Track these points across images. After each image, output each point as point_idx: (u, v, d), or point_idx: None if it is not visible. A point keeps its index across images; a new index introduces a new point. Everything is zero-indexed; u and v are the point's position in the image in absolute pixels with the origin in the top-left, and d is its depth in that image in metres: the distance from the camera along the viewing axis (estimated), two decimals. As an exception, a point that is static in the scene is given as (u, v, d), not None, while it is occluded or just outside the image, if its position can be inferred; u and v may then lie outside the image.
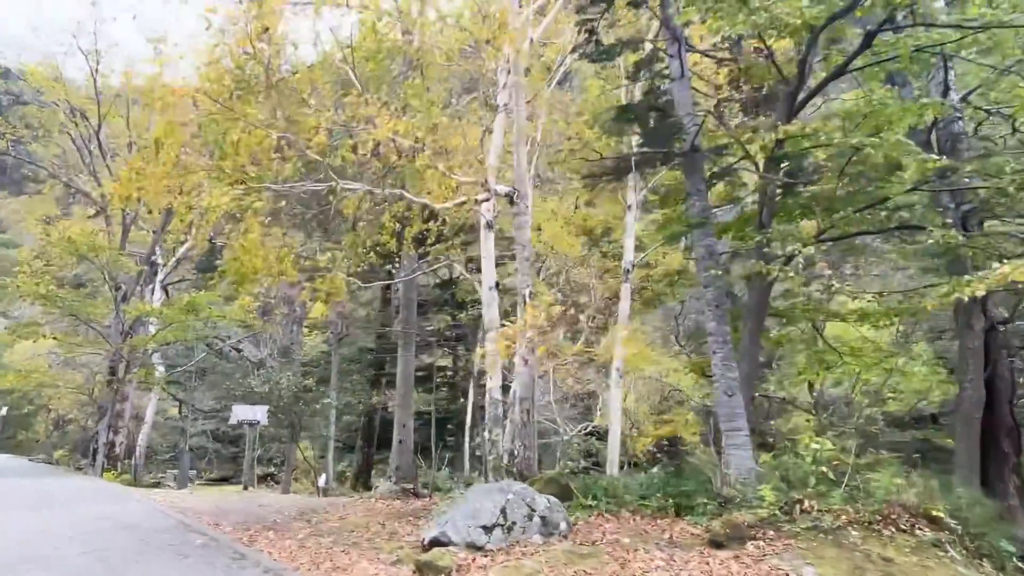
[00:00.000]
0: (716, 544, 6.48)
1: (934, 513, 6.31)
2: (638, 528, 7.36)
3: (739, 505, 7.36)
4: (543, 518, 6.83)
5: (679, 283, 11.80)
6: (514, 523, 6.67)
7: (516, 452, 10.44)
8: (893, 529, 6.27)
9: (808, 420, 21.30)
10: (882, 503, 6.40)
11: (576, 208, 22.17)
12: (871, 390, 21.50)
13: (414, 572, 6.04)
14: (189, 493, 15.09)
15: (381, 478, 28.88)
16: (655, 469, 12.11)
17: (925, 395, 19.58)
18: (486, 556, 6.18)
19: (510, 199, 10.23)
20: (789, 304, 10.16)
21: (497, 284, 11.95)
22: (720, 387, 8.42)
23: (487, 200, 9.94)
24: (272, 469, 34.72)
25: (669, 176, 16.02)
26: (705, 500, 7.76)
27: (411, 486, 11.70)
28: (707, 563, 6.04)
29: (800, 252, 7.94)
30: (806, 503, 6.72)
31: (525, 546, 6.46)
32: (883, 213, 8.52)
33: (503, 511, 6.70)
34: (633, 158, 9.20)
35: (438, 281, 28.45)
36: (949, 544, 6.07)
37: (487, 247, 11.96)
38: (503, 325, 10.33)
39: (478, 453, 26.83)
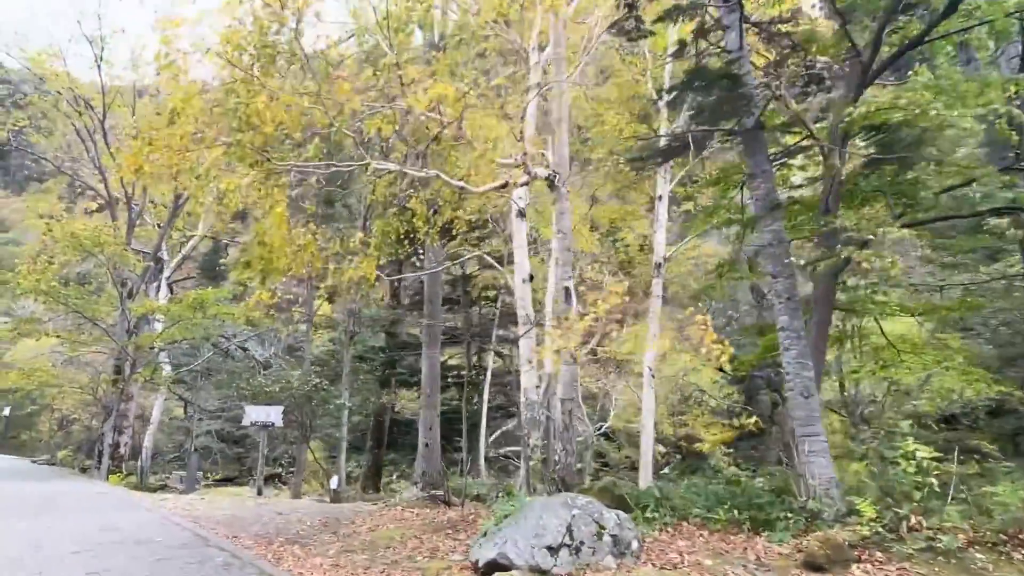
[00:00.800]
0: (813, 567, 5.62)
1: (1069, 532, 5.46)
2: (713, 546, 6.50)
3: (827, 521, 6.50)
4: (614, 536, 5.97)
5: (727, 275, 10.91)
6: (582, 543, 5.81)
7: (558, 458, 9.58)
8: (1023, 552, 5.42)
9: (842, 420, 20.47)
10: (1011, 521, 5.53)
11: (594, 201, 21.35)
12: (900, 389, 20.68)
13: (474, 601, 5.19)
14: (199, 498, 14.24)
15: (396, 481, 28.11)
16: (696, 478, 11.25)
17: (959, 393, 18.75)
18: (557, 583, 5.33)
19: (550, 183, 9.37)
20: (852, 297, 9.30)
21: (531, 277, 11.09)
22: (795, 387, 7.56)
23: (527, 184, 9.08)
24: (279, 469, 33.91)
25: (697, 166, 15.19)
26: (785, 515, 6.91)
27: (440, 493, 10.84)
28: (812, 591, 5.19)
29: (885, 233, 7.07)
30: (913, 519, 5.86)
31: (597, 570, 5.61)
32: (969, 196, 7.67)
33: (569, 529, 5.85)
34: (691, 135, 8.33)
35: (449, 278, 27.64)
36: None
37: (519, 237, 11.11)
38: (546, 324, 9.46)
39: (491, 455, 26.00)
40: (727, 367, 6.89)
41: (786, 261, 8.00)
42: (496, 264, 11.50)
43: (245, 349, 32.03)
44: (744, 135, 8.34)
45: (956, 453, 6.34)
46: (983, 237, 9.18)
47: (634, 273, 22.97)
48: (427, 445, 11.65)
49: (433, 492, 10.98)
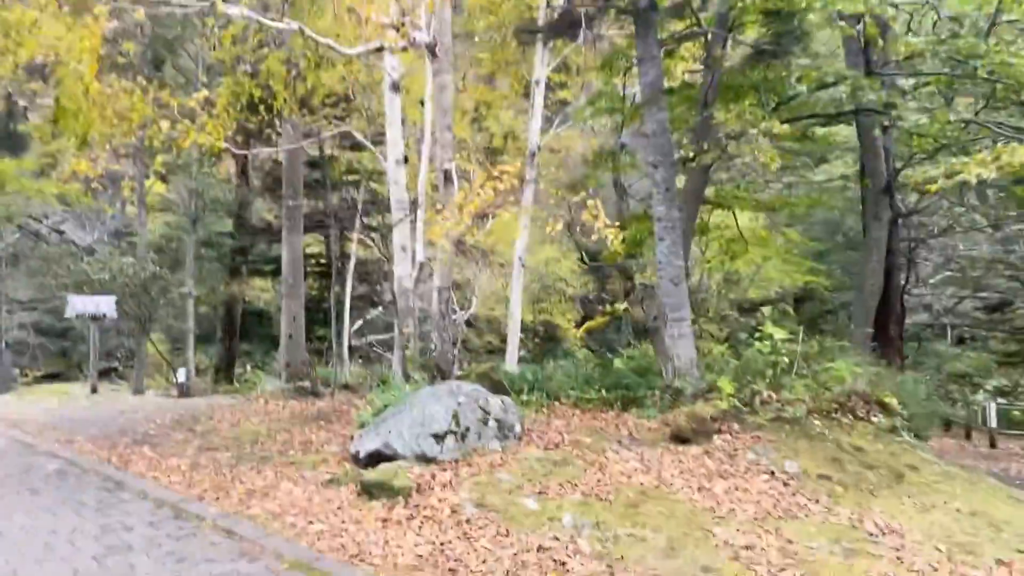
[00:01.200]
0: (680, 439, 6.05)
1: (886, 400, 6.31)
2: (588, 425, 6.78)
3: (689, 398, 7.00)
4: (498, 421, 5.96)
5: (604, 166, 10.88)
6: (468, 429, 5.74)
7: (435, 346, 9.40)
8: (851, 417, 6.20)
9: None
10: (847, 392, 6.27)
11: (463, 85, 20.20)
12: (731, 279, 22.92)
13: (359, 495, 4.96)
14: (18, 399, 12.51)
15: (250, 372, 26.84)
16: (572, 358, 11.73)
17: (779, 283, 21.17)
18: (444, 470, 5.23)
19: (431, 51, 8.46)
20: (718, 192, 9.72)
21: (406, 158, 10.31)
22: (665, 275, 7.82)
23: (405, 49, 8.12)
24: (115, 364, 31.02)
25: (577, 51, 14.71)
26: (651, 393, 7.35)
27: (307, 384, 10.35)
28: (680, 460, 5.58)
29: (759, 129, 7.26)
30: (765, 394, 6.46)
31: (483, 454, 5.59)
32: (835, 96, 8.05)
33: (455, 416, 5.73)
34: (584, 10, 7.78)
35: (307, 159, 25.45)
36: (903, 430, 6.10)
37: (393, 113, 10.14)
38: (420, 210, 8.90)
39: (353, 344, 25.49)
40: (620, 248, 6.90)
41: (668, 151, 8.01)
42: (367, 143, 10.49)
43: (61, 232, 27.86)
44: (637, 15, 7.95)
45: (800, 334, 6.99)
46: (826, 138, 9.87)
47: (500, 163, 22.60)
48: (291, 336, 10.94)
49: (299, 384, 10.45)
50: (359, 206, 23.31)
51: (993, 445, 14.36)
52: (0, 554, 4.08)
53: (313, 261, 25.91)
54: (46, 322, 33.91)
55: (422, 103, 12.78)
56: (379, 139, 14.14)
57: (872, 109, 7.78)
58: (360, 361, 23.86)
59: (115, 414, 9.88)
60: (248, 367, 27.76)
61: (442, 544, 3.99)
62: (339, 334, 23.85)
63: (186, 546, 4.17)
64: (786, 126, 7.48)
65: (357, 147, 23.55)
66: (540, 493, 4.66)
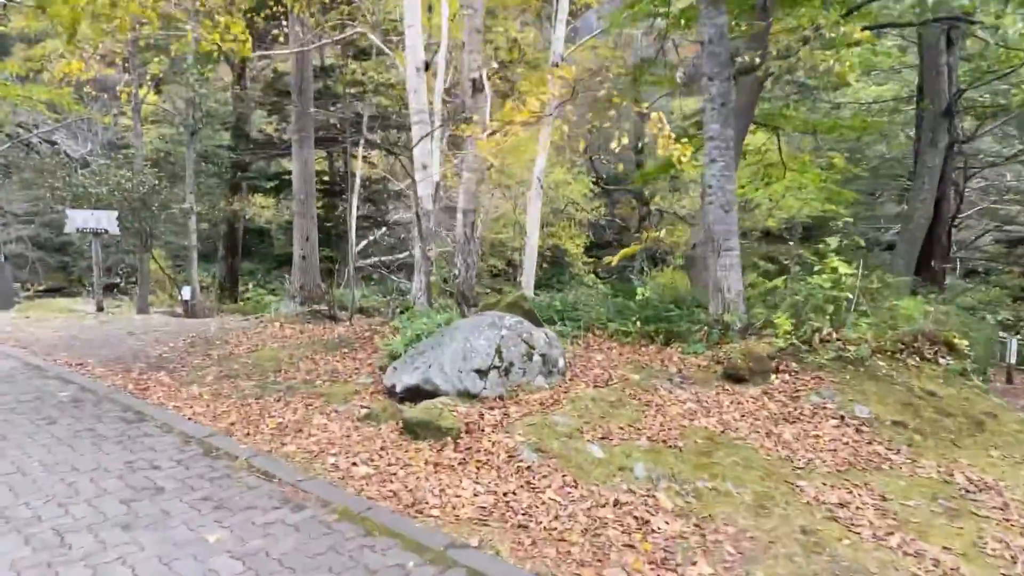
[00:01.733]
0: (735, 378, 5.67)
1: (954, 341, 5.88)
2: (631, 360, 6.39)
3: (739, 333, 6.58)
4: (543, 356, 5.54)
5: (641, 79, 9.98)
6: (512, 364, 5.32)
7: (459, 272, 8.90)
8: (918, 359, 5.79)
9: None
10: (913, 332, 5.83)
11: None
12: (743, 206, 22.17)
13: (401, 433, 4.58)
14: (23, 316, 12.10)
15: (252, 289, 26.50)
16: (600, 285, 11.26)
17: (797, 211, 20.49)
18: (491, 408, 4.84)
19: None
20: (765, 111, 8.91)
21: (427, 65, 9.42)
22: (716, 200, 7.22)
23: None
24: (117, 279, 30.64)
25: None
26: (697, 326, 6.91)
27: (324, 308, 9.90)
28: (739, 402, 5.21)
29: (837, 34, 6.41)
30: (824, 331, 6.03)
31: (529, 391, 5.20)
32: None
33: (498, 350, 5.30)
34: None
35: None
36: (973, 373, 5.71)
37: (412, 15, 9.19)
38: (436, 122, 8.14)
39: (358, 264, 24.96)
40: (687, 166, 6.26)
41: (725, 62, 7.21)
42: (384, 47, 9.51)
43: (53, 143, 26.75)
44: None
45: (860, 267, 6.48)
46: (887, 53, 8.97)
47: (510, 77, 21.30)
48: (304, 257, 10.38)
49: (316, 307, 10.01)
50: (364, 121, 22.16)
51: (1010, 380, 14.24)
52: (20, 495, 3.72)
53: (317, 179, 24.95)
54: (44, 236, 33.30)
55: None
56: (389, 45, 13.04)
57: (951, 18, 6.92)
58: (362, 284, 23.46)
59: (124, 335, 9.49)
60: (250, 285, 27.48)
61: (504, 495, 3.63)
62: (341, 256, 23.39)
63: (221, 490, 3.81)
64: (867, 32, 6.65)
65: (361, 55, 22.18)
66: (603, 439, 4.28)
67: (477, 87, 8.32)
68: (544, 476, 3.80)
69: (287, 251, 26.39)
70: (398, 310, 8.46)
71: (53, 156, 25.57)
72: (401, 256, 28.27)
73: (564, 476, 3.79)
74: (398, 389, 5.29)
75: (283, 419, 5.15)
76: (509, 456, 4.06)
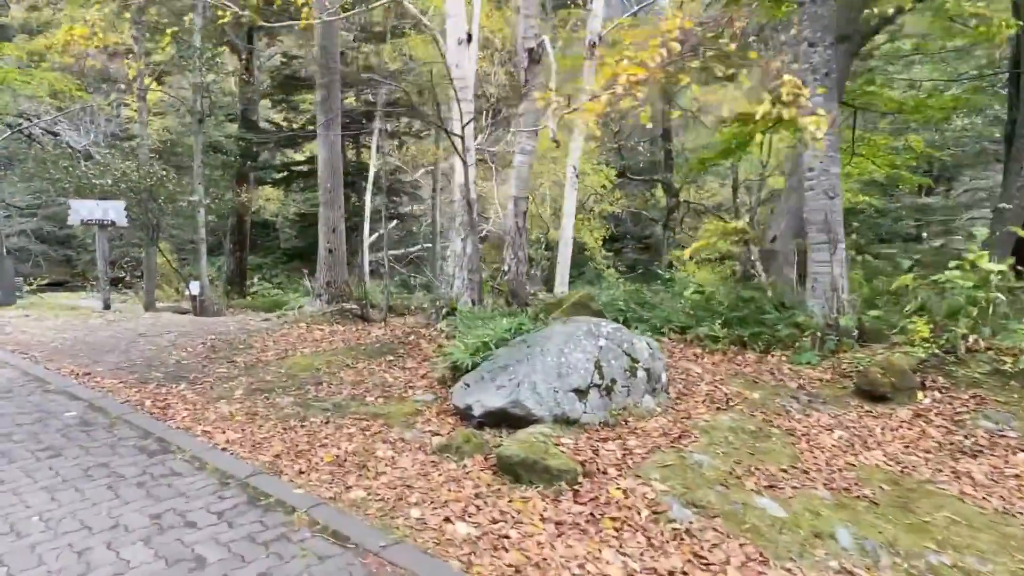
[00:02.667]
0: (872, 396, 4.69)
1: None
2: (736, 372, 5.41)
3: (857, 339, 5.60)
4: (647, 371, 4.56)
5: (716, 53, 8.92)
6: (613, 381, 4.35)
7: (509, 267, 7.93)
8: (1093, 372, 4.81)
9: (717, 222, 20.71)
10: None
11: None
12: (776, 193, 21.15)
13: (496, 474, 3.61)
14: (24, 314, 11.11)
15: (258, 283, 25.51)
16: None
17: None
18: (603, 440, 3.87)
19: None
20: (850, 89, 7.90)
21: (469, 37, 8.39)
22: (819, 186, 6.23)
23: None
24: (121, 273, 29.67)
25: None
26: (798, 331, 5.93)
27: (355, 307, 8.92)
28: (892, 427, 4.24)
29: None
30: (971, 339, 5.05)
31: (640, 416, 4.23)
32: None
33: (598, 365, 4.32)
34: None
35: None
36: None
37: (454, -19, 8.17)
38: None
39: (369, 257, 23.96)
40: (819, 141, 5.25)
41: (829, 26, 6.20)
42: (422, 18, 8.44)
43: (55, 134, 25.74)
44: None
45: (1014, 262, 5.51)
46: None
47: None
48: (331, 251, 9.38)
49: (345, 305, 9.02)
50: (377, 109, 21.12)
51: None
52: (14, 558, 2.76)
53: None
54: (46, 229, 32.30)
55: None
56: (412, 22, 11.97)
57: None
58: (376, 278, 22.45)
59: (134, 337, 8.51)
60: (255, 279, 26.51)
61: (671, 574, 2.66)
62: (355, 250, 22.39)
63: (283, 563, 2.84)
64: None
65: (374, 39, 21.08)
66: (770, 487, 3.31)
67: (534, 57, 7.32)
68: (713, 545, 2.83)
69: (295, 245, 25.44)
70: (443, 310, 7.48)
71: (55, 147, 24.63)
72: (412, 250, 27.29)
73: (742, 546, 2.82)
74: (476, 412, 4.32)
75: (339, 450, 4.18)
76: (654, 513, 3.09)
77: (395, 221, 26.33)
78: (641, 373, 4.50)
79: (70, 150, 23.85)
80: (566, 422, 4.07)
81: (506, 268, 8.00)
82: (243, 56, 22.80)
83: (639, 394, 4.43)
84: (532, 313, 6.61)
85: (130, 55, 17.68)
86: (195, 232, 22.11)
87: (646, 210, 23.73)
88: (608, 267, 24.58)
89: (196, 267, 21.09)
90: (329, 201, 9.43)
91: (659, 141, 19.97)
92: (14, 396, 5.41)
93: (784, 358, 5.70)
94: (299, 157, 26.34)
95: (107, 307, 11.96)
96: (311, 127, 22.92)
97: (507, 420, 4.15)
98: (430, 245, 25.74)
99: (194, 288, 19.56)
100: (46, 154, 22.36)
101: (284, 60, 21.88)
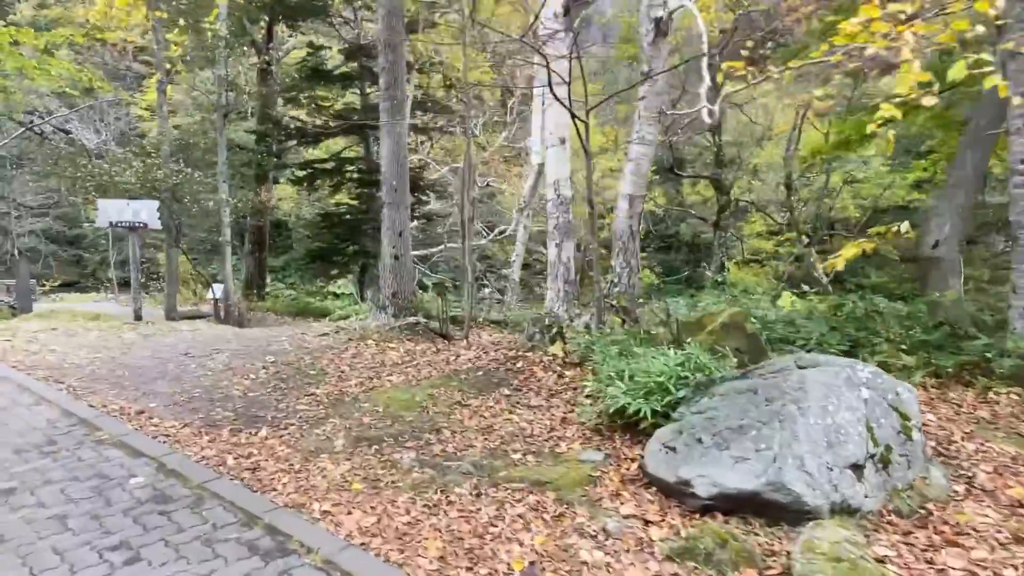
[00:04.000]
0: None
1: None
2: (972, 417, 4.21)
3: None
4: (921, 431, 3.36)
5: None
6: (889, 449, 3.15)
7: (619, 278, 6.72)
8: None
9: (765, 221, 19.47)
10: None
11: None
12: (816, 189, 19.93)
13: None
14: (49, 327, 9.88)
15: (270, 284, 24.25)
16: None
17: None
18: (921, 544, 2.67)
19: None
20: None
21: (566, 9, 7.17)
22: (1036, 180, 5.02)
23: None
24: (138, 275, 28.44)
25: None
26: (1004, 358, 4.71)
27: (434, 323, 7.70)
28: None
29: None
30: None
31: (939, 501, 3.03)
32: None
33: (868, 427, 3.12)
34: None
35: (345, 46, 21.85)
36: None
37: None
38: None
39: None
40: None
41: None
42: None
43: (67, 132, 24.55)
44: None
45: None
46: None
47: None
48: (397, 257, 8.15)
49: (421, 320, 7.80)
50: (409, 103, 19.81)
51: None
52: None
53: (352, 167, 22.67)
54: (56, 229, 31.11)
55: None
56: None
57: None
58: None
59: (179, 356, 7.31)
60: (267, 280, 25.25)
61: None
62: (377, 254, 21.14)
63: None
64: None
65: (408, 28, 19.78)
66: None
67: (662, 29, 6.11)
68: None
69: (319, 246, 24.13)
70: (552, 330, 6.25)
71: (67, 145, 23.44)
72: (435, 250, 25.96)
73: None
74: (700, 492, 3.11)
75: (522, 547, 2.97)
76: None
77: (414, 222, 24.96)
78: (917, 436, 3.30)
79: (85, 149, 22.63)
80: (846, 511, 2.87)
81: (615, 279, 6.80)
82: (267, 48, 21.57)
83: (919, 465, 3.22)
84: (666, 335, 5.42)
85: (149, 42, 16.45)
86: (220, 233, 20.88)
87: (693, 209, 22.40)
88: (644, 268, 23.37)
89: (220, 269, 19.90)
90: (394, 200, 8.20)
91: (709, 136, 18.70)
92: (60, 451, 4.21)
93: (1016, 397, 4.48)
94: (319, 154, 25.10)
95: (138, 317, 10.75)
96: (335, 123, 21.70)
97: (757, 507, 2.95)
98: (455, 245, 24.41)
99: (216, 291, 18.38)
100: (61, 151, 21.13)
101: (310, 51, 20.57)
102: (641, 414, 3.89)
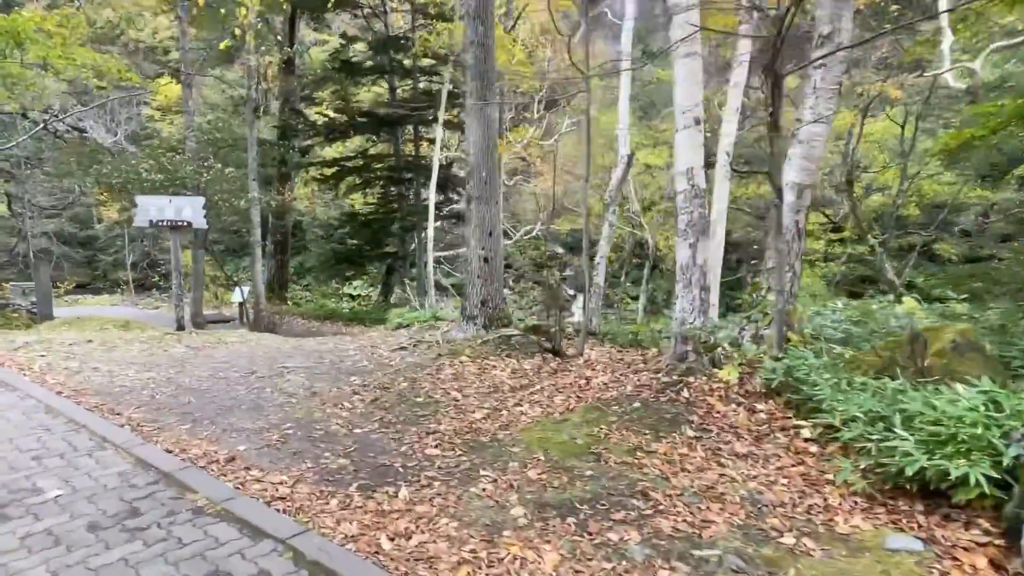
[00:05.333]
0: None
1: None
2: None
3: None
4: None
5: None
6: None
7: (780, 285, 5.55)
8: None
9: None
10: None
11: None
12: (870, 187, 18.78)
13: None
14: (85, 339, 8.74)
15: (290, 289, 23.13)
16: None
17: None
18: None
19: None
20: None
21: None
22: None
23: None
24: (155, 277, 27.39)
25: None
26: None
27: (543, 338, 6.54)
28: None
29: None
30: None
31: None
32: None
33: None
34: None
35: (374, 38, 20.70)
36: None
37: None
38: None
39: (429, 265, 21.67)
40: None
41: None
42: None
43: (82, 131, 23.44)
44: None
45: None
46: None
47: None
48: (487, 260, 7.00)
49: (518, 333, 6.65)
50: (443, 97, 18.65)
51: None
52: None
53: (382, 164, 21.50)
54: (68, 230, 30.02)
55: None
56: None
57: None
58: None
59: (246, 377, 6.17)
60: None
61: None
62: (407, 251, 20.05)
63: None
64: None
65: (440, 17, 18.65)
66: None
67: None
68: None
69: (349, 246, 22.91)
70: (713, 349, 5.10)
71: (82, 143, 22.35)
72: (462, 251, 24.78)
73: None
74: None
75: None
76: None
77: (440, 221, 23.77)
78: None
79: (101, 147, 21.54)
80: None
81: (768, 286, 5.65)
82: (290, 40, 20.47)
83: None
84: (908, 360, 4.27)
85: (161, 42, 15.36)
86: (241, 234, 19.78)
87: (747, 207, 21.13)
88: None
89: (250, 270, 18.82)
90: (483, 195, 7.04)
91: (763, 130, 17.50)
92: (149, 528, 3.05)
93: None
94: (340, 151, 23.95)
95: (181, 327, 9.59)
96: (362, 119, 20.55)
97: None
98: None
99: (237, 295, 17.31)
100: (83, 149, 20.02)
101: (343, 42, 19.43)
102: (960, 480, 2.74)
